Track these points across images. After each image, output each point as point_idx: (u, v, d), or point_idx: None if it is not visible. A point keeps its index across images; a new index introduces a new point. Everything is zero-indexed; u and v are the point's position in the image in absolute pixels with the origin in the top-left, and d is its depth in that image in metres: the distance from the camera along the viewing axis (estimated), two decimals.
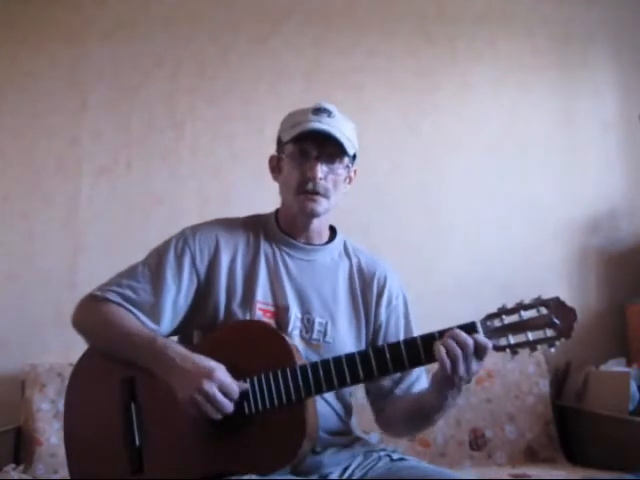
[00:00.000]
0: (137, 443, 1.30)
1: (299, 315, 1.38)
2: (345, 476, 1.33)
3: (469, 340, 1.16)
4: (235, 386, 1.22)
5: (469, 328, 1.19)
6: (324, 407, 1.35)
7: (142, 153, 2.82)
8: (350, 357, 1.23)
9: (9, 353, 2.60)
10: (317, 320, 1.38)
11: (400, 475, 1.29)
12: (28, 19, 2.86)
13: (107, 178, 2.79)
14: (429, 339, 1.21)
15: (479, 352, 1.17)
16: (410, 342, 1.23)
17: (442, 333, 1.19)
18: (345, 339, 1.39)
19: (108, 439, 1.33)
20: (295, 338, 1.36)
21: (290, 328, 1.36)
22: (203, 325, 1.39)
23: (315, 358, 1.31)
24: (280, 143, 1.43)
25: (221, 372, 1.22)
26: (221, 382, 1.21)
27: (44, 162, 2.78)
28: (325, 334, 1.38)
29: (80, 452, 1.36)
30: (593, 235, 2.90)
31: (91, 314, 1.39)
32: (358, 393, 1.55)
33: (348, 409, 1.45)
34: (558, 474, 2.21)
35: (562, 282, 2.82)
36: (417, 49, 2.95)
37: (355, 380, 1.24)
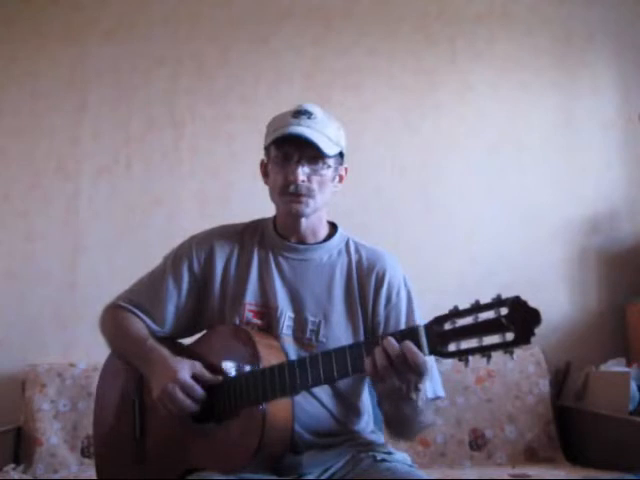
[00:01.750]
0: (137, 436, 1.40)
1: (291, 315, 1.39)
2: (324, 476, 1.33)
3: (397, 349, 1.09)
4: (197, 386, 1.28)
5: (411, 333, 1.11)
6: (315, 407, 1.35)
7: (142, 153, 2.82)
8: (301, 362, 1.23)
9: (9, 353, 2.61)
10: (310, 319, 1.39)
11: (374, 476, 1.27)
12: (28, 19, 2.86)
13: (107, 178, 2.80)
14: (373, 344, 1.14)
15: (409, 363, 1.08)
16: (354, 347, 1.18)
17: (383, 337, 1.13)
18: (340, 338, 1.38)
19: (121, 432, 1.44)
20: (286, 338, 1.37)
21: (280, 328, 1.37)
22: (208, 326, 1.46)
23: None
24: (265, 148, 1.45)
25: (185, 373, 1.28)
26: (182, 383, 1.27)
27: (44, 162, 2.79)
28: (318, 333, 1.38)
29: (101, 443, 1.50)
30: (593, 235, 2.90)
31: (108, 320, 1.49)
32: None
33: (351, 409, 1.42)
34: (558, 474, 2.21)
35: (562, 282, 2.82)
36: (417, 49, 2.96)
37: (304, 385, 1.22)
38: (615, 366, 2.53)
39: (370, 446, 1.40)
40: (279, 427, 1.26)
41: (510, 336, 1.00)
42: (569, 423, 2.52)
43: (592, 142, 2.97)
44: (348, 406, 1.42)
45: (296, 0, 2.96)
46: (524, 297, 1.04)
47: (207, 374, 1.31)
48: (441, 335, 1.08)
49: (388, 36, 2.95)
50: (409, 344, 1.09)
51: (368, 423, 1.47)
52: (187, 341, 1.48)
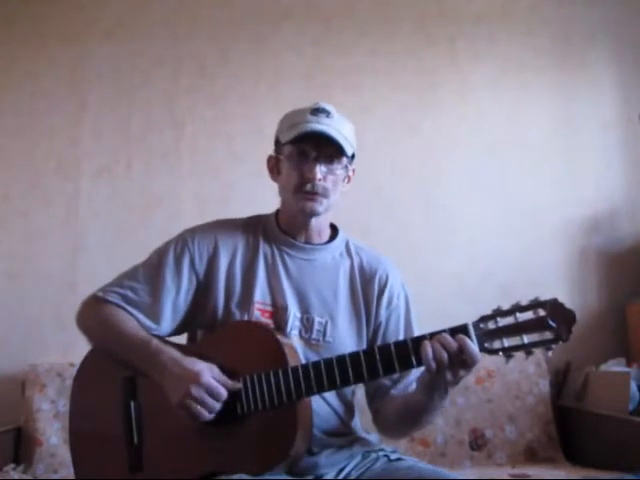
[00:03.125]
0: (135, 441, 1.33)
1: (298, 315, 1.38)
2: (341, 476, 1.33)
3: (453, 344, 1.14)
4: (222, 388, 1.24)
5: (461, 331, 1.16)
6: (324, 408, 1.35)
7: (142, 153, 2.82)
8: (341, 359, 1.22)
9: (9, 353, 2.61)
10: (316, 320, 1.38)
11: (396, 475, 1.29)
12: (28, 19, 2.86)
13: (107, 178, 2.80)
14: (420, 342, 1.18)
15: (467, 360, 1.14)
16: (400, 344, 1.21)
17: (433, 335, 1.17)
18: (345, 339, 1.39)
19: (109, 437, 1.35)
20: (294, 338, 1.36)
21: (289, 328, 1.37)
22: (205, 325, 1.41)
23: (314, 358, 1.31)
24: (278, 144, 1.43)
25: (208, 375, 1.24)
26: (207, 385, 1.23)
27: (44, 162, 2.79)
28: (325, 334, 1.38)
29: (83, 450, 1.39)
30: (593, 235, 2.90)
31: (92, 315, 1.41)
32: (358, 393, 1.54)
33: (350, 409, 1.44)
34: (558, 474, 2.22)
35: (562, 282, 2.83)
36: (417, 49, 2.95)
37: (345, 382, 1.22)
38: (615, 366, 2.53)
39: (373, 446, 1.42)
40: (307, 427, 1.26)
41: (549, 334, 1.11)
42: (569, 423, 2.52)
43: (592, 142, 2.97)
44: (347, 406, 1.43)
45: (296, 0, 2.96)
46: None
47: (226, 379, 1.26)
48: (487, 333, 1.15)
49: (388, 36, 2.95)
50: (465, 338, 1.14)
51: (357, 422, 1.48)
52: (179, 340, 1.45)
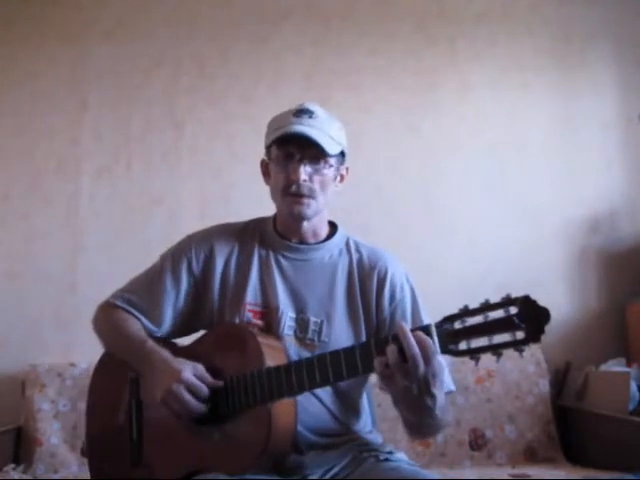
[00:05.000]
0: (134, 438, 1.38)
1: (293, 315, 1.39)
2: (327, 477, 1.32)
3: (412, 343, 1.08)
4: (201, 385, 1.27)
5: (422, 331, 1.10)
6: (317, 407, 1.35)
7: (142, 153, 2.82)
8: (309, 362, 1.22)
9: (9, 353, 2.61)
10: (312, 319, 1.38)
11: (379, 476, 1.27)
12: (28, 19, 2.86)
13: (107, 178, 2.80)
14: (382, 343, 1.13)
15: (422, 358, 1.07)
16: (364, 346, 1.17)
17: (395, 336, 1.12)
18: (342, 338, 1.38)
19: (116, 433, 1.41)
20: (288, 338, 1.37)
21: (281, 328, 1.37)
22: (205, 326, 1.46)
23: None
24: (266, 147, 1.44)
25: (189, 373, 1.27)
26: (188, 382, 1.26)
27: (44, 162, 2.79)
28: (320, 333, 1.37)
29: (95, 445, 1.48)
30: (593, 235, 2.90)
31: (102, 319, 1.48)
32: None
33: (351, 409, 1.43)
34: (558, 474, 2.21)
35: (562, 282, 2.82)
36: (417, 49, 2.96)
37: (313, 385, 1.22)
38: (615, 366, 2.53)
39: (370, 446, 1.40)
40: (284, 427, 1.26)
41: (521, 334, 1.01)
42: (569, 423, 2.52)
43: (592, 142, 2.97)
44: (348, 406, 1.42)
45: (296, 0, 2.96)
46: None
47: (209, 377, 1.29)
48: (452, 334, 1.08)
49: (388, 36, 2.95)
50: (423, 336, 1.08)
51: (366, 423, 1.47)
52: (185, 341, 1.47)
